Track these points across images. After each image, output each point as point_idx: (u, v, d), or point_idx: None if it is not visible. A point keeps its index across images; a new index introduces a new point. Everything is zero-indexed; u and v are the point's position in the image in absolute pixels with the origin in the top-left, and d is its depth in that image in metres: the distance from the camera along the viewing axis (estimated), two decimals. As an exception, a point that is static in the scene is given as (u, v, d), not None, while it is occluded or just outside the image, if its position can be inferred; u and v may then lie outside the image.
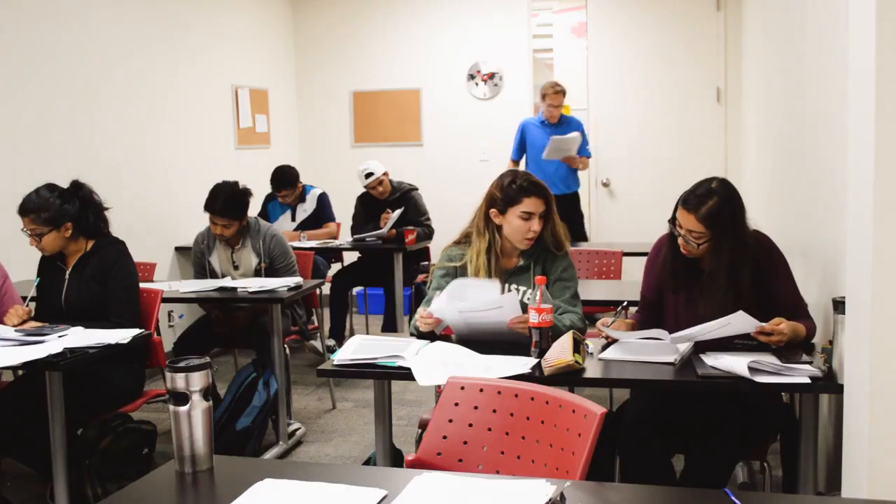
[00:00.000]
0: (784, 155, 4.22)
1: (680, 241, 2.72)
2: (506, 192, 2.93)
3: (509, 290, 2.93)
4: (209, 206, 4.26)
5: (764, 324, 2.53)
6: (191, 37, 6.01)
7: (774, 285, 2.74)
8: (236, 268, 4.40)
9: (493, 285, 2.86)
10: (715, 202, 2.66)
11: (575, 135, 6.16)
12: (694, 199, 2.68)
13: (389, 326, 5.79)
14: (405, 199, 5.80)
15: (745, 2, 6.47)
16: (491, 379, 2.15)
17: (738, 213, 2.71)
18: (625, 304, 3.11)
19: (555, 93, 6.32)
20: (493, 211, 2.95)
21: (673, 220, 2.75)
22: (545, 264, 2.95)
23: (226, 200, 4.23)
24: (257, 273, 4.35)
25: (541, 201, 2.92)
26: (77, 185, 3.40)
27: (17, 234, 3.41)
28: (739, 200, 2.74)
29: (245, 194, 4.33)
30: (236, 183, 4.34)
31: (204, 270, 4.41)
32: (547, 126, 6.33)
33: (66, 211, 3.29)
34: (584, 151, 6.39)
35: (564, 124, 6.36)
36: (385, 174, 5.77)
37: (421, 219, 5.76)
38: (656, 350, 2.56)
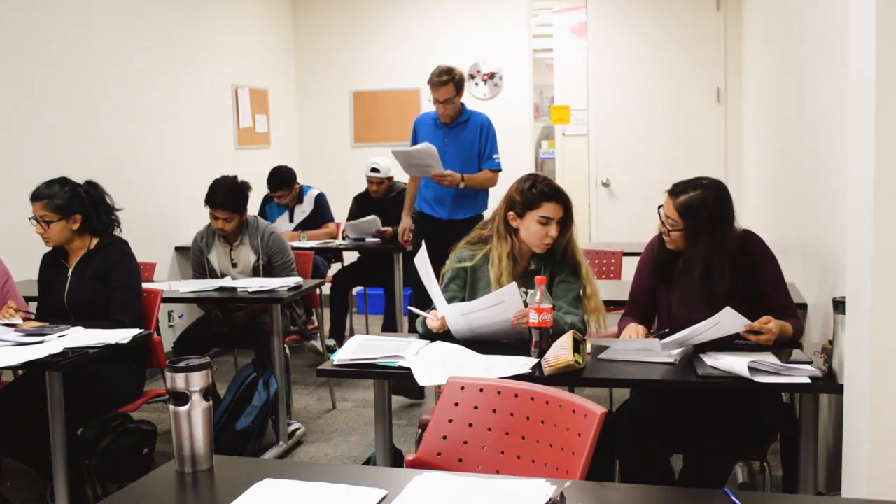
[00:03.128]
0: (784, 155, 4.22)
1: (662, 229, 2.76)
2: (525, 196, 2.90)
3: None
4: (210, 200, 4.29)
5: (752, 322, 2.53)
6: (191, 37, 6.01)
7: (762, 285, 2.74)
8: (235, 265, 4.41)
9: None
10: (697, 195, 2.67)
11: (424, 146, 4.66)
12: (680, 186, 2.72)
13: (389, 326, 5.79)
14: (401, 198, 5.80)
15: (745, 2, 6.47)
16: (491, 379, 2.15)
17: (720, 215, 2.70)
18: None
19: (439, 83, 4.76)
20: (510, 214, 2.93)
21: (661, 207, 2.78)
22: (553, 269, 2.94)
23: (227, 193, 4.27)
24: (255, 270, 4.36)
25: (560, 206, 2.89)
26: (92, 184, 3.45)
27: (19, 234, 3.42)
28: (727, 205, 2.72)
29: (245, 188, 4.38)
30: (235, 177, 4.39)
31: (203, 269, 4.42)
32: (440, 126, 4.91)
33: (77, 203, 3.33)
34: (489, 163, 4.86)
35: (462, 124, 4.89)
36: (389, 179, 5.79)
37: None
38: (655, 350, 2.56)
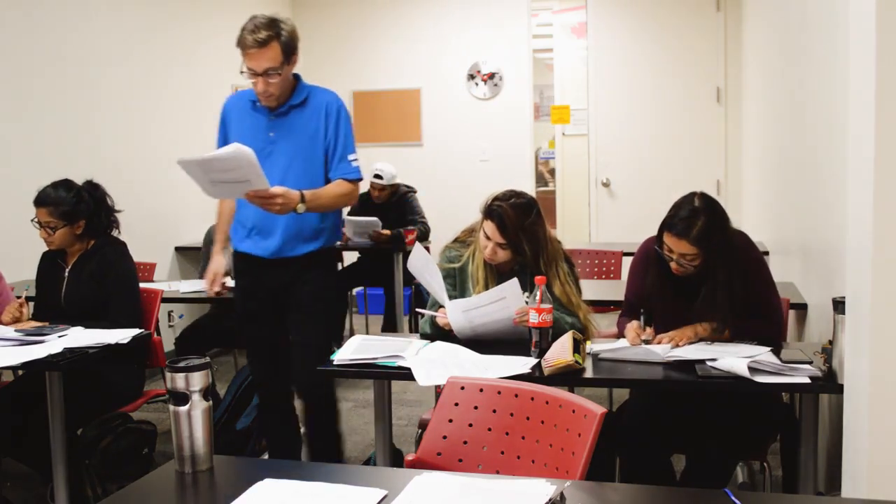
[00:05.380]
0: (784, 154, 4.22)
1: (673, 265, 2.69)
2: (483, 205, 2.87)
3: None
4: None
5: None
6: (191, 36, 6.00)
7: (753, 285, 2.74)
8: None
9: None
10: (703, 222, 2.62)
11: (232, 151, 2.74)
12: (680, 223, 2.63)
13: (389, 326, 5.79)
14: (402, 201, 5.82)
15: (745, 2, 6.47)
16: (491, 379, 2.15)
17: (725, 225, 2.69)
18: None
19: (255, 43, 2.94)
20: None
21: (660, 244, 2.72)
22: (536, 270, 2.93)
23: None
24: None
25: (496, 230, 2.79)
26: (93, 186, 3.45)
27: (15, 235, 3.41)
28: (722, 210, 2.71)
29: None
30: None
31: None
32: (262, 112, 3.13)
33: (81, 209, 3.34)
34: (342, 169, 3.11)
35: (297, 108, 3.11)
36: (392, 186, 5.79)
37: (416, 217, 5.77)
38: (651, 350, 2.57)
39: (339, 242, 3.31)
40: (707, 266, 2.66)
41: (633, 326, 2.70)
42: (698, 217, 2.62)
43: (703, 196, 2.71)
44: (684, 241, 2.62)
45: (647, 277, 2.82)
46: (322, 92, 3.17)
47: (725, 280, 2.65)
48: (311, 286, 3.12)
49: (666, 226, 2.68)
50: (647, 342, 2.61)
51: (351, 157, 3.14)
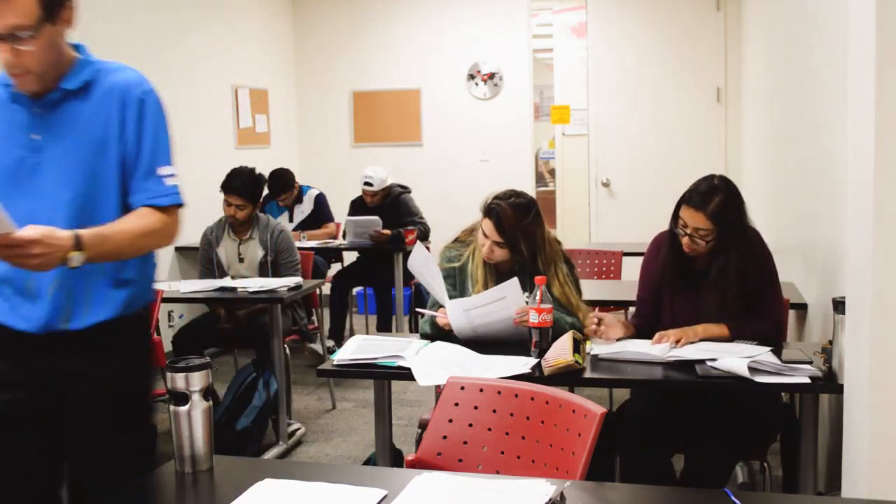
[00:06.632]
0: (784, 155, 4.22)
1: (685, 240, 2.71)
2: (483, 203, 2.87)
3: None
4: (226, 185, 4.39)
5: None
6: (191, 37, 6.01)
7: (760, 282, 2.75)
8: (241, 260, 4.44)
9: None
10: (721, 198, 2.66)
11: None
12: (699, 196, 2.68)
13: (384, 326, 5.78)
14: (396, 203, 5.79)
15: (745, 2, 6.47)
16: (491, 379, 2.16)
17: (741, 208, 2.73)
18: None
19: None
20: None
21: (675, 220, 2.74)
22: (534, 271, 2.92)
23: (244, 181, 4.39)
24: (262, 266, 4.38)
25: (494, 228, 2.78)
26: None
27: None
28: (740, 194, 2.76)
29: (261, 180, 4.55)
30: (253, 169, 4.54)
31: (210, 263, 4.45)
32: (24, 102, 1.94)
33: None
34: (151, 188, 2.01)
35: (75, 96, 1.94)
36: (384, 189, 5.75)
37: (414, 218, 5.75)
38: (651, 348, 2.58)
39: (152, 301, 2.26)
40: (718, 248, 2.69)
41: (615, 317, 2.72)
42: (717, 193, 2.67)
43: (723, 177, 2.77)
44: (701, 214, 2.65)
45: (658, 260, 2.84)
46: (118, 71, 2.01)
47: (737, 260, 2.67)
48: (106, 381, 1.92)
49: (684, 199, 2.73)
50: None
51: (163, 170, 2.02)
